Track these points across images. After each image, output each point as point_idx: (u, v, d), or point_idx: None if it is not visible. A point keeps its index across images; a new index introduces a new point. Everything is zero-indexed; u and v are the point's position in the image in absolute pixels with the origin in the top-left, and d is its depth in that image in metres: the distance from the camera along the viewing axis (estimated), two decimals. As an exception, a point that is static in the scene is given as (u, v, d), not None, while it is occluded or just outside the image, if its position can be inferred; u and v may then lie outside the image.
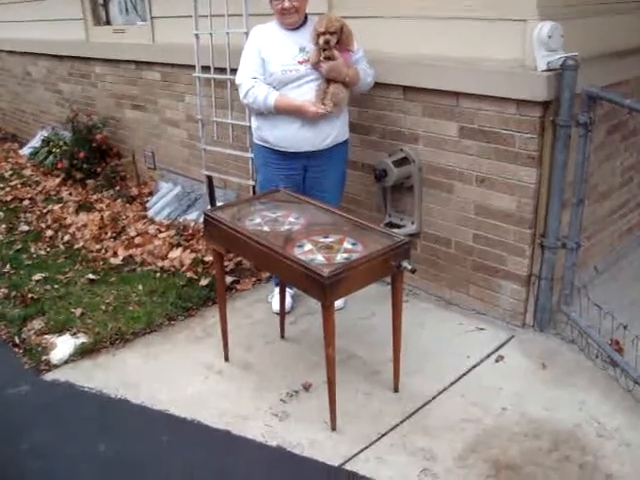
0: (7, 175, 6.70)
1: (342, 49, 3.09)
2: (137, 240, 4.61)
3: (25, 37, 7.30)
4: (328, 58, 3.05)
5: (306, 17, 3.22)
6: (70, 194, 5.84)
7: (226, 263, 3.84)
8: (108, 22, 6.20)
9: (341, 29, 3.05)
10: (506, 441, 2.55)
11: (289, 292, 3.53)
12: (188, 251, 4.32)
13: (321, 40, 3.03)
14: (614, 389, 2.81)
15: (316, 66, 3.10)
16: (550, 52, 2.85)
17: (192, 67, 4.44)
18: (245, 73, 3.21)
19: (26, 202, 5.77)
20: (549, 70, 2.85)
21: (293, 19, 3.14)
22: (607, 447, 2.49)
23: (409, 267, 2.48)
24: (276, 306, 3.47)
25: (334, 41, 3.04)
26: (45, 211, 5.44)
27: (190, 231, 4.69)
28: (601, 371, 2.94)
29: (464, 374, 2.99)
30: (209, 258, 4.11)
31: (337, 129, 3.24)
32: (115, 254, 4.44)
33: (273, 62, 3.13)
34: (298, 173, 3.30)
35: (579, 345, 3.11)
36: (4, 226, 5.15)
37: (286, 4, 3.07)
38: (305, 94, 3.13)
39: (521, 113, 2.97)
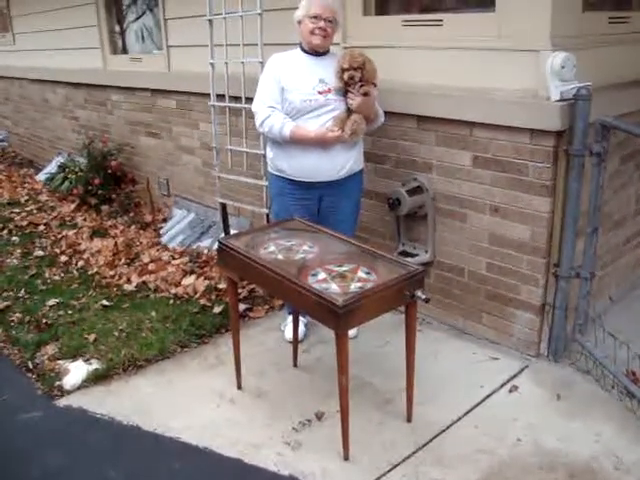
0: (23, 200, 6.77)
1: (369, 83, 3.12)
2: (151, 266, 4.62)
3: (44, 65, 7.43)
4: (365, 94, 3.09)
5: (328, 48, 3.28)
6: (85, 220, 5.89)
7: (239, 291, 3.84)
8: (125, 51, 6.31)
9: (364, 64, 3.08)
10: (521, 473, 2.52)
11: (302, 320, 3.52)
12: (202, 278, 4.32)
13: (346, 76, 3.08)
14: (631, 421, 2.78)
15: (339, 94, 3.15)
16: (563, 82, 2.87)
17: (207, 95, 4.49)
18: (262, 101, 3.24)
19: (41, 227, 5.82)
20: (562, 100, 2.86)
21: (323, 42, 3.19)
22: (624, 481, 2.46)
23: (423, 297, 2.48)
24: (289, 334, 3.47)
25: (358, 77, 3.08)
26: (60, 236, 5.48)
27: (204, 258, 4.70)
28: (617, 402, 2.90)
29: (478, 404, 2.96)
30: (222, 285, 4.12)
31: (353, 159, 3.26)
32: (129, 280, 4.46)
33: (292, 91, 3.16)
34: (313, 203, 3.31)
35: (594, 376, 3.08)
36: (19, 251, 5.19)
37: (321, 24, 3.13)
38: (323, 124, 3.14)
39: (534, 143, 2.98)
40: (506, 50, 3.02)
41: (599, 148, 2.92)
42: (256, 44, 3.92)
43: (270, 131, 3.18)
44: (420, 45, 3.39)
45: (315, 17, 3.14)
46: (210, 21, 4.26)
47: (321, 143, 3.14)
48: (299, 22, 3.22)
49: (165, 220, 5.71)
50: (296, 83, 3.17)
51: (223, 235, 4.53)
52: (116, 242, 5.10)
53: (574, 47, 2.90)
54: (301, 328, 3.48)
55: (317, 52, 3.23)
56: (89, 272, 4.67)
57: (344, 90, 3.14)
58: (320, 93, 3.15)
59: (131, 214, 5.96)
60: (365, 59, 3.10)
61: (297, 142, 3.16)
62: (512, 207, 3.16)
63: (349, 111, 3.14)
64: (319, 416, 2.92)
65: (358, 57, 3.08)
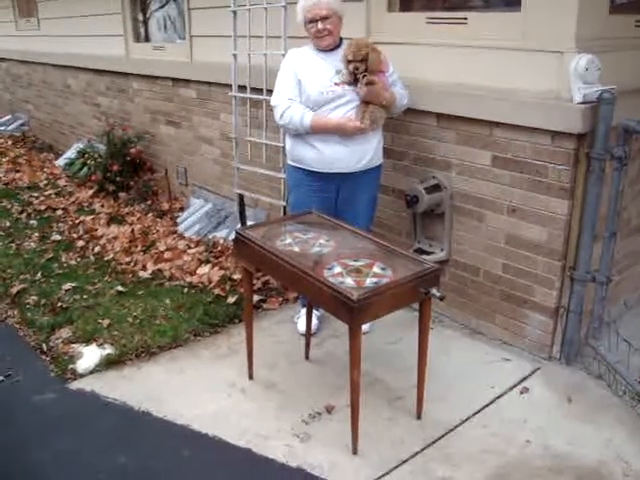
0: (42, 185, 6.84)
1: (375, 72, 3.12)
2: (166, 255, 4.65)
3: (68, 51, 7.47)
4: (369, 83, 3.09)
5: (341, 40, 3.28)
6: (102, 206, 5.93)
7: (253, 282, 3.85)
8: (147, 39, 6.33)
9: (367, 56, 3.07)
10: (528, 475, 2.52)
11: (316, 313, 3.53)
12: (217, 268, 4.35)
13: (350, 67, 3.09)
14: (642, 428, 2.77)
15: (351, 85, 3.14)
16: (587, 85, 2.85)
17: (228, 86, 4.51)
18: (281, 95, 3.25)
19: (59, 212, 5.87)
20: (585, 103, 2.84)
21: (328, 41, 3.21)
22: (633, 487, 2.45)
23: (438, 294, 2.47)
24: (302, 327, 3.48)
25: (363, 68, 3.08)
26: (77, 222, 5.53)
27: (219, 248, 4.72)
28: (629, 408, 2.89)
29: (488, 404, 2.96)
30: (237, 276, 4.14)
31: (372, 152, 3.26)
32: (144, 267, 4.49)
33: (310, 84, 3.18)
34: (331, 195, 3.32)
35: (606, 381, 3.06)
36: (37, 235, 5.24)
37: (319, 26, 3.15)
38: (341, 115, 3.16)
39: (555, 144, 2.97)
40: (530, 50, 3.00)
41: (621, 152, 2.90)
42: (279, 36, 3.92)
43: (290, 122, 3.19)
44: (443, 43, 3.37)
45: (312, 21, 3.17)
46: (234, 12, 4.27)
47: (341, 132, 3.15)
48: (304, 26, 3.25)
49: (182, 209, 5.73)
50: (313, 76, 3.19)
51: (240, 226, 4.55)
52: (133, 229, 5.14)
53: (599, 49, 2.87)
54: (314, 321, 3.49)
55: (329, 48, 3.25)
56: (105, 258, 4.71)
57: (353, 79, 3.14)
58: (337, 85, 3.17)
59: (148, 202, 5.99)
60: (369, 50, 3.09)
61: (318, 131, 3.17)
62: (530, 208, 3.14)
63: (366, 102, 3.15)
64: (329, 409, 2.93)
65: (362, 49, 3.07)
